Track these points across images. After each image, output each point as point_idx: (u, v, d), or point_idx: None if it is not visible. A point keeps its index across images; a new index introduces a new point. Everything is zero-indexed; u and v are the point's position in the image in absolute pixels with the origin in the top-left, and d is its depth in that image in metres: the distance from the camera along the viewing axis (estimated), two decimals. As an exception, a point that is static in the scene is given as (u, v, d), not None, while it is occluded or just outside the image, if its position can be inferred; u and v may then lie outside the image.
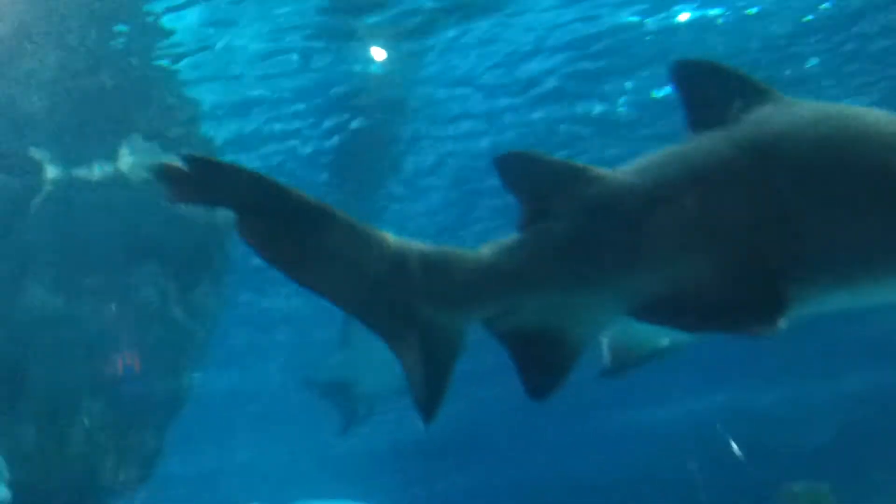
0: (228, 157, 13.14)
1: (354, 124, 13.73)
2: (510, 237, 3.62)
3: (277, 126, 13.65)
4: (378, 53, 12.33)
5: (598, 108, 14.37)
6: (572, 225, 3.50)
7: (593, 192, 3.49)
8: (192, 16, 10.79)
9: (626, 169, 3.56)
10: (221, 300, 13.39)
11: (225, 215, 11.22)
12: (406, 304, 3.55)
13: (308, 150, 14.28)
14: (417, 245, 3.59)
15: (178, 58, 11.36)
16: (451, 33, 12.03)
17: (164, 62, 11.36)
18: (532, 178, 3.59)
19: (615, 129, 14.69)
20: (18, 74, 10.51)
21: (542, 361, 3.58)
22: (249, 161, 13.75)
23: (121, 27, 10.72)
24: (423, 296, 3.54)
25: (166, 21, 10.75)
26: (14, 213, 11.20)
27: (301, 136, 13.98)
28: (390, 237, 3.56)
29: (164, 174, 3.34)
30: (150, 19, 10.63)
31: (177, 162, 3.32)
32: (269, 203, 3.44)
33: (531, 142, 14.37)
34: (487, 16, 11.81)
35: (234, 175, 3.46)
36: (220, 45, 11.40)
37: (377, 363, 16.44)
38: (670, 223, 3.37)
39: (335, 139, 14.08)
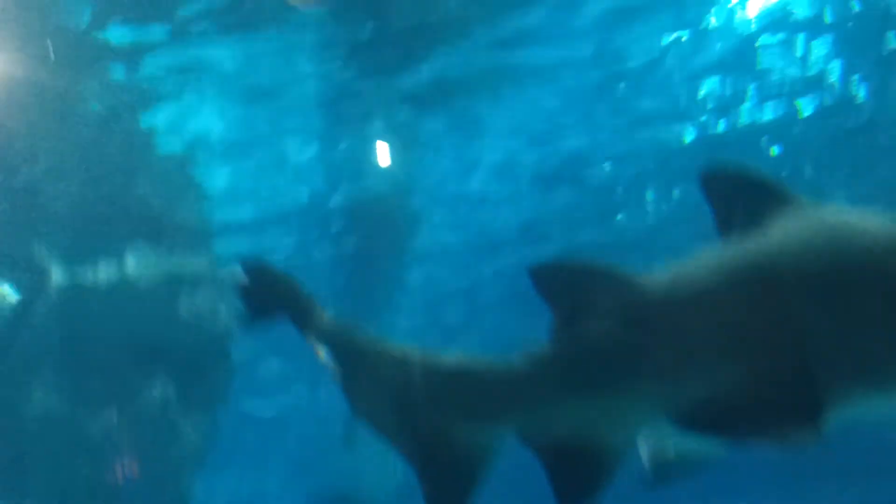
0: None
1: (356, 220, 13.74)
2: (541, 345, 3.50)
3: (281, 224, 13.63)
4: (381, 148, 12.38)
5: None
6: (607, 332, 3.39)
7: (627, 298, 3.40)
8: (197, 113, 10.81)
9: (659, 274, 3.48)
10: (224, 405, 13.12)
11: (228, 320, 10.96)
12: (426, 416, 3.46)
13: (311, 247, 14.25)
14: (439, 356, 3.51)
15: (183, 155, 11.40)
16: (451, 122, 12.10)
17: (169, 158, 11.38)
18: (567, 288, 3.50)
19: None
20: (28, 178, 10.46)
21: (578, 473, 3.41)
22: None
23: (129, 129, 10.73)
24: (446, 408, 3.44)
25: (170, 119, 10.76)
26: (19, 316, 11.03)
27: (304, 234, 13.97)
28: (408, 348, 3.52)
29: (237, 286, 3.61)
30: (155, 122, 10.64)
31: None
32: (297, 312, 3.62)
33: (531, 221, 14.40)
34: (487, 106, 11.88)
35: (280, 283, 3.65)
36: (221, 141, 11.44)
37: (382, 467, 16.05)
38: (704, 330, 3.28)
39: (338, 235, 14.06)
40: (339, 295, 14.31)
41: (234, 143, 11.83)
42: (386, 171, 12.80)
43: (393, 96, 11.39)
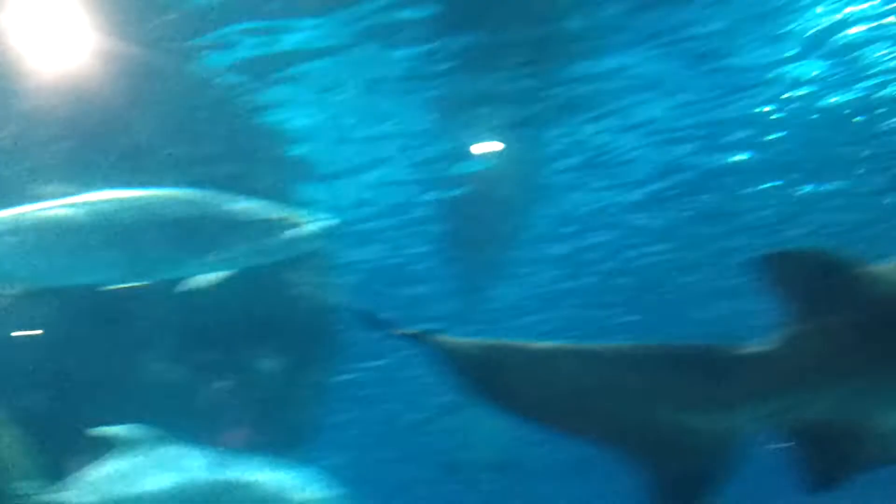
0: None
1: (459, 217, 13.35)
2: (784, 332, 3.30)
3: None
4: (490, 146, 11.97)
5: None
6: (861, 317, 3.23)
7: (876, 283, 3.27)
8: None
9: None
10: (332, 375, 12.94)
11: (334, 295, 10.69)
12: (659, 412, 3.20)
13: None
14: (669, 346, 3.30)
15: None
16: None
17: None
18: (807, 275, 3.34)
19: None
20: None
21: (836, 454, 3.19)
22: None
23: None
24: (681, 400, 3.22)
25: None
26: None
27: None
28: (621, 346, 3.30)
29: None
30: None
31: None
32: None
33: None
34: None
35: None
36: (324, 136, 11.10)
37: (490, 435, 15.81)
38: None
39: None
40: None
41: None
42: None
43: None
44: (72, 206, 7.43)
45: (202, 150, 10.40)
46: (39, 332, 9.60)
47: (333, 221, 7.95)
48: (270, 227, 7.60)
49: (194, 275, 7.64)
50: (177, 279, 7.67)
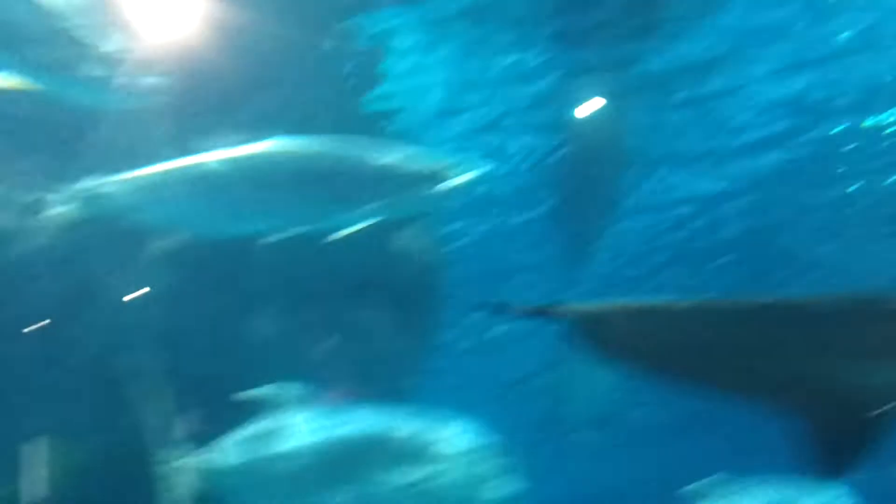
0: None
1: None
2: None
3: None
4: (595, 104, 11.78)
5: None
6: None
7: None
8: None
9: None
10: (432, 333, 12.94)
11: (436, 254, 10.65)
12: (826, 366, 3.02)
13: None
14: (821, 297, 3.06)
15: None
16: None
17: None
18: None
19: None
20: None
21: None
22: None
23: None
24: (845, 353, 3.01)
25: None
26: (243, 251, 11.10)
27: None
28: (767, 298, 3.09)
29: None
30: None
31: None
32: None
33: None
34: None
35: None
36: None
37: (587, 391, 15.69)
38: None
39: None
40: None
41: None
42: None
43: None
44: (223, 159, 7.55)
45: (318, 115, 10.49)
46: (178, 293, 9.78)
47: (481, 173, 7.76)
48: (419, 177, 7.53)
49: (342, 226, 7.60)
50: (321, 231, 7.66)
